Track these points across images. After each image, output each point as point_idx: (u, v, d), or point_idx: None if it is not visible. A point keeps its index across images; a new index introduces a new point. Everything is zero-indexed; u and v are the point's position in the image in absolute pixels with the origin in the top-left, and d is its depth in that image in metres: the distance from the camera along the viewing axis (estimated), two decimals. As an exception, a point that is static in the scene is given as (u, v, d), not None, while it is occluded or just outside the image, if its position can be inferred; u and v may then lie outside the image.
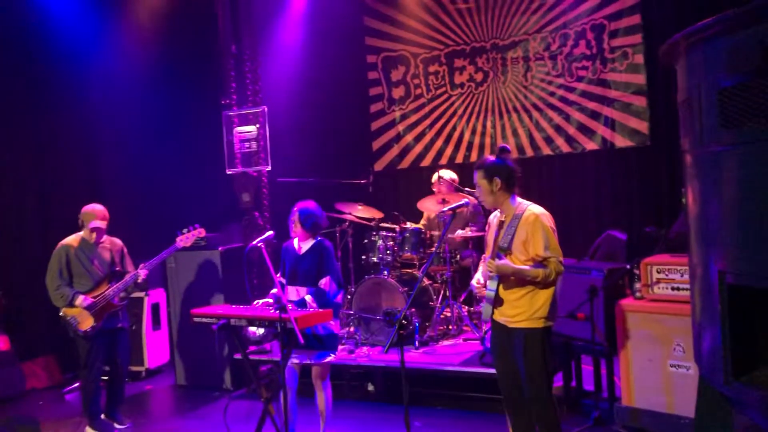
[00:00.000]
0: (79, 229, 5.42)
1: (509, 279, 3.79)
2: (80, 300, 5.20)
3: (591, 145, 7.37)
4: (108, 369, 5.47)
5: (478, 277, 4.03)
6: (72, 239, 5.39)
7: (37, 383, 6.92)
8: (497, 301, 3.84)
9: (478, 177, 3.89)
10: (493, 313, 3.90)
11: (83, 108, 7.60)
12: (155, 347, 7.20)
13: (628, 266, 4.90)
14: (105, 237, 5.47)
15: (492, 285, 3.82)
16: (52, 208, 7.20)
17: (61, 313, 5.27)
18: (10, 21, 6.98)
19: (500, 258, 3.77)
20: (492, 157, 3.94)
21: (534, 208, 3.85)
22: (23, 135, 7.28)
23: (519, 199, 3.93)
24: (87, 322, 5.23)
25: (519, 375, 3.88)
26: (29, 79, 7.27)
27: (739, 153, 2.25)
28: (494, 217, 4.05)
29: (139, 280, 5.34)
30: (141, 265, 5.39)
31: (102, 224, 5.37)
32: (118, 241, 5.58)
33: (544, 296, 3.79)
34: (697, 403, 2.97)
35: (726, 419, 2.68)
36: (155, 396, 6.65)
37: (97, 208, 5.40)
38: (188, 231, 5.56)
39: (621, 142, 7.22)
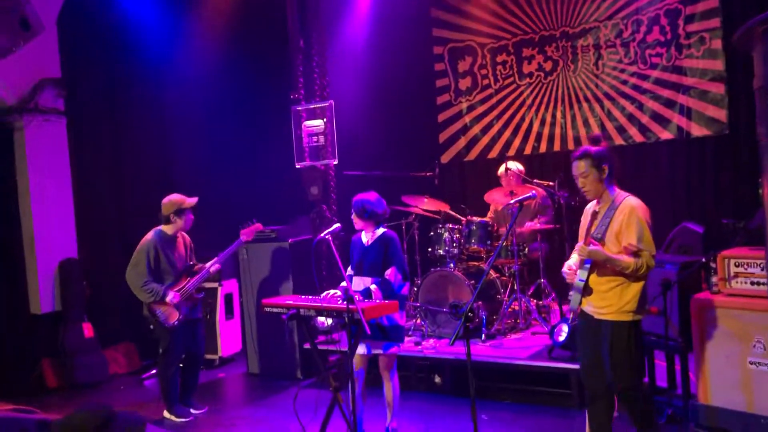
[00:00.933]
0: (158, 223, 5.61)
1: (600, 269, 3.80)
2: (171, 296, 5.42)
3: (665, 135, 7.12)
4: (184, 357, 5.68)
5: (569, 264, 4.03)
6: (155, 234, 5.56)
7: (118, 369, 7.27)
8: (586, 291, 3.86)
9: (586, 165, 3.85)
10: (581, 302, 3.91)
11: (159, 106, 7.92)
12: (228, 336, 7.43)
13: (703, 259, 4.73)
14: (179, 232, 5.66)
15: (582, 275, 3.85)
16: (128, 201, 7.53)
17: (148, 307, 5.47)
18: (95, 22, 7.34)
19: (592, 244, 3.76)
20: (594, 146, 3.91)
21: (631, 200, 3.83)
22: (104, 131, 7.64)
23: (618, 190, 3.92)
24: (174, 316, 5.47)
25: (602, 366, 3.88)
26: (111, 78, 7.61)
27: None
28: (590, 207, 4.04)
29: (212, 274, 5.64)
30: (213, 260, 5.62)
31: (195, 199, 5.62)
32: (187, 236, 5.79)
33: (634, 290, 3.78)
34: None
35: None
36: (228, 384, 6.86)
37: (179, 195, 5.60)
38: (248, 225, 5.84)
39: (697, 131, 6.94)
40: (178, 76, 7.89)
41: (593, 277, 3.85)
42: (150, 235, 5.55)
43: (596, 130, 7.49)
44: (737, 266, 4.37)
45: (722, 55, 6.76)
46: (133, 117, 7.84)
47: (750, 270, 4.30)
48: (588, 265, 3.84)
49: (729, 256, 4.42)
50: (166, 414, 5.62)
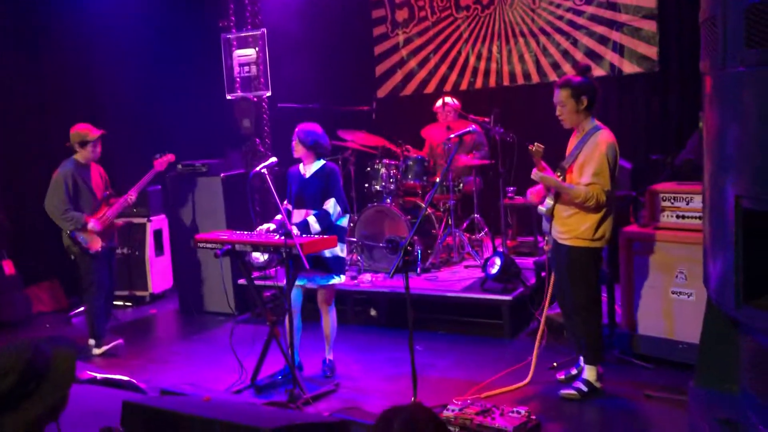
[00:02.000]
0: (70, 154, 5.41)
1: (561, 197, 4.01)
2: (92, 224, 5.32)
3: (599, 71, 7.19)
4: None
5: (534, 188, 4.31)
6: (69, 164, 5.38)
7: (43, 307, 7.00)
8: (552, 217, 4.11)
9: (564, 96, 3.94)
10: (550, 228, 4.15)
11: (80, 30, 7.40)
12: (159, 273, 7.25)
13: (633, 194, 4.88)
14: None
15: (549, 201, 4.09)
16: (51, 131, 7.09)
17: (68, 233, 5.33)
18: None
19: (547, 171, 3.99)
20: (575, 77, 3.99)
21: (602, 134, 3.93)
22: (19, 57, 7.12)
23: (596, 122, 4.02)
24: (96, 243, 5.37)
25: (565, 286, 4.17)
26: (29, 5, 7.07)
27: (765, 74, 2.17)
28: (572, 136, 4.16)
29: (130, 204, 5.58)
30: (130, 190, 5.56)
31: (100, 131, 5.41)
32: (101, 168, 5.64)
33: (592, 219, 3.97)
34: (704, 328, 3.00)
35: (732, 343, 2.71)
36: (160, 320, 6.74)
37: (86, 125, 5.42)
38: (161, 156, 5.79)
39: (629, 68, 7.05)
40: (100, 2, 7.38)
41: (558, 204, 4.06)
42: (65, 163, 5.39)
43: (531, 66, 7.51)
44: (664, 200, 4.52)
45: (655, -7, 6.82)
46: (54, 43, 7.31)
47: (677, 204, 4.46)
48: (552, 193, 4.07)
49: (657, 191, 4.56)
50: (95, 350, 5.48)
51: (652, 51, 6.90)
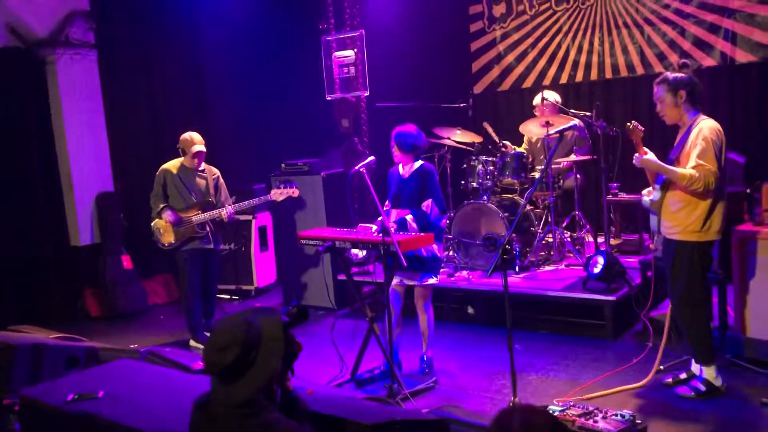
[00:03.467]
0: (179, 155, 5.70)
1: (669, 189, 3.95)
2: (167, 214, 5.54)
3: (708, 61, 6.85)
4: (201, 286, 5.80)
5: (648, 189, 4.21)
6: (172, 164, 5.69)
7: (158, 299, 7.48)
8: (660, 212, 4.05)
9: (662, 90, 3.99)
10: (659, 223, 4.09)
11: (191, 38, 7.85)
12: (263, 268, 7.55)
13: (746, 190, 4.62)
14: (204, 165, 5.71)
15: (656, 194, 4.05)
16: (164, 134, 7.54)
17: (152, 224, 5.67)
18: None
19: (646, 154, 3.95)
20: (671, 73, 4.03)
21: (704, 122, 3.91)
22: (137, 64, 7.61)
23: (700, 115, 3.99)
24: (168, 237, 5.61)
25: (672, 282, 4.09)
26: (141, 11, 7.54)
27: None
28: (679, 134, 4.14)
29: (224, 219, 5.61)
30: (229, 207, 5.63)
31: (202, 150, 5.60)
32: (215, 170, 5.82)
33: (700, 210, 3.90)
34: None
35: None
36: (264, 314, 7.00)
37: (194, 134, 5.64)
38: (284, 187, 5.78)
39: (742, 56, 6.66)
40: (209, 8, 7.76)
41: (665, 197, 3.99)
42: (168, 164, 5.71)
43: (635, 58, 7.24)
44: (782, 197, 4.26)
45: (773, -25, 6.41)
46: (166, 50, 7.77)
47: (796, 201, 4.19)
48: (658, 185, 4.01)
49: (774, 187, 4.30)
50: (191, 342, 5.79)
51: (768, 38, 6.49)
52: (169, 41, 7.77)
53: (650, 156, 3.96)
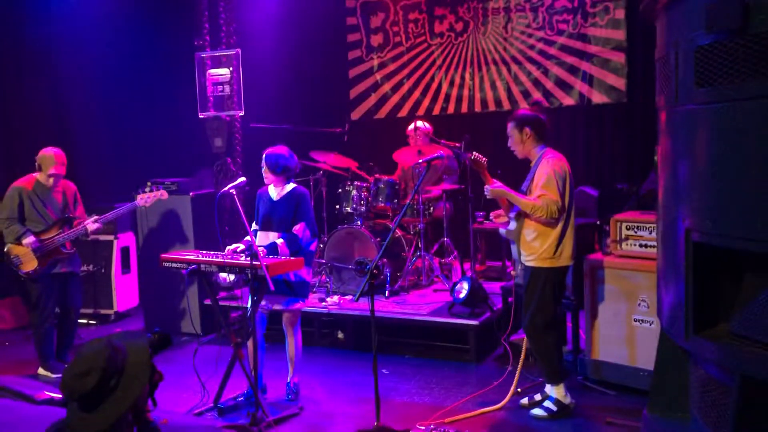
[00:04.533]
0: (34, 170, 5.31)
1: (522, 219, 4.17)
2: (29, 240, 5.14)
3: (568, 101, 7.35)
4: (59, 312, 5.44)
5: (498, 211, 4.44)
6: (26, 181, 5.28)
7: (4, 324, 6.89)
8: (517, 241, 4.26)
9: (510, 127, 4.25)
10: (519, 253, 4.29)
11: (51, 48, 7.35)
12: (124, 291, 7.16)
13: (598, 222, 4.96)
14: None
15: (512, 225, 4.26)
16: (18, 149, 7.03)
17: (5, 249, 5.22)
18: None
19: (494, 184, 4.15)
20: (522, 110, 4.32)
21: (550, 155, 4.17)
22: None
23: (547, 149, 4.22)
24: (30, 264, 5.19)
25: (526, 307, 4.29)
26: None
27: (713, 112, 2.25)
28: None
29: (89, 233, 5.32)
30: (94, 217, 5.32)
31: (61, 170, 5.26)
32: (71, 185, 5.48)
33: (552, 237, 4.13)
34: (657, 356, 3.05)
35: (683, 372, 2.76)
36: (125, 339, 6.64)
37: (56, 152, 5.26)
38: (150, 191, 5.51)
39: (598, 98, 7.21)
40: (73, 14, 7.34)
41: (520, 227, 4.21)
42: (21, 181, 5.29)
43: (503, 93, 7.63)
44: (628, 229, 4.60)
45: (624, 26, 7.01)
46: (23, 59, 7.26)
47: (640, 233, 4.54)
48: (513, 216, 4.23)
49: (621, 220, 4.65)
50: (40, 370, 5.38)
51: (620, 82, 7.07)
52: (28, 50, 7.25)
53: (498, 185, 4.17)
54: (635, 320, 4.48)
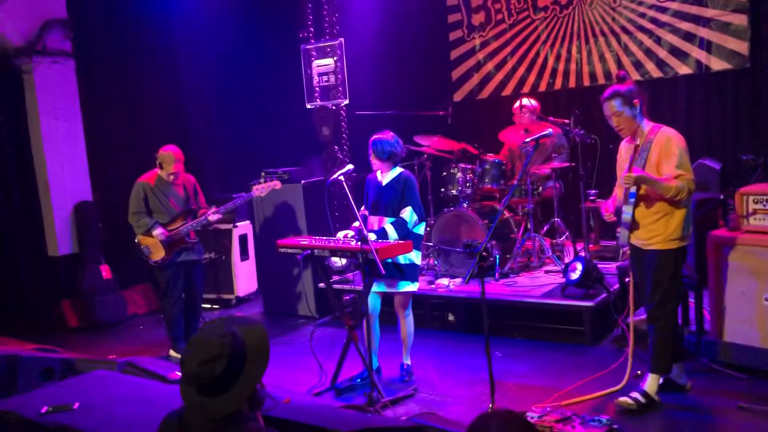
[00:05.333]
0: (156, 167, 5.61)
1: (645, 201, 3.90)
2: (158, 231, 5.45)
3: (684, 69, 6.95)
4: (185, 297, 5.75)
5: (606, 206, 4.15)
6: (149, 176, 5.58)
7: (137, 309, 7.42)
8: (633, 226, 3.97)
9: (618, 104, 3.91)
10: (629, 237, 4.02)
11: (169, 47, 7.82)
12: (244, 276, 7.51)
13: (721, 196, 4.69)
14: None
15: (628, 210, 3.96)
16: (143, 144, 7.51)
17: (136, 240, 5.56)
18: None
19: (637, 171, 3.82)
20: (621, 85, 3.95)
21: (666, 131, 3.91)
22: (114, 72, 7.57)
23: (651, 123, 3.98)
24: (158, 254, 5.51)
25: (655, 291, 4.00)
26: (119, 20, 7.52)
27: None
28: (624, 143, 4.12)
29: (211, 223, 5.58)
30: (214, 209, 5.57)
31: (180, 166, 5.53)
32: (191, 177, 5.75)
33: (678, 218, 3.89)
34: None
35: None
36: (245, 323, 6.96)
37: (174, 150, 5.53)
38: (264, 181, 5.71)
39: (717, 65, 6.76)
40: (187, 16, 7.74)
41: (638, 211, 3.95)
42: (144, 176, 5.59)
43: (612, 66, 7.33)
44: (756, 203, 4.33)
45: (746, -15, 6.52)
46: (144, 58, 7.74)
47: (769, 206, 4.25)
48: (632, 200, 3.92)
49: (747, 193, 4.37)
50: (171, 352, 5.75)
51: (742, 46, 6.60)
52: (147, 50, 7.74)
53: (641, 171, 3.81)
54: (766, 299, 4.20)
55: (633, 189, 3.88)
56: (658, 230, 3.92)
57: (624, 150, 4.11)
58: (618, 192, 4.12)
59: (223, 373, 2.08)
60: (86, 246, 7.14)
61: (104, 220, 7.30)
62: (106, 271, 7.11)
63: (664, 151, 3.83)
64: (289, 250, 4.72)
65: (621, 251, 4.29)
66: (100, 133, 7.44)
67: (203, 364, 2.08)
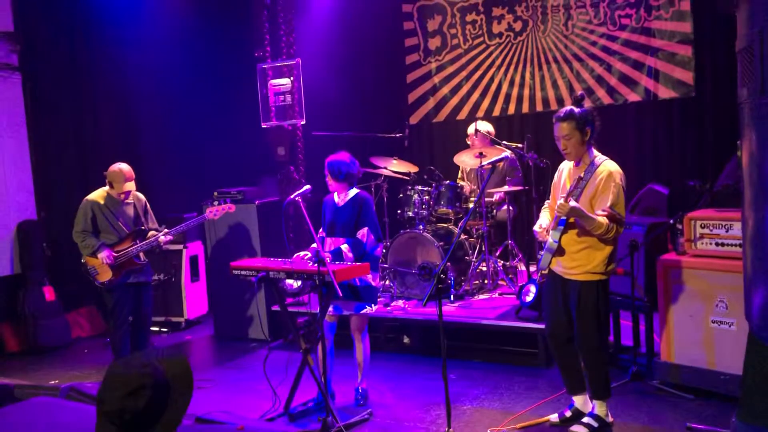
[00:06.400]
0: (105, 185, 5.43)
1: (573, 230, 3.85)
2: (104, 254, 5.24)
3: (633, 97, 7.16)
4: (132, 320, 5.56)
5: (541, 223, 4.08)
6: (98, 195, 5.39)
7: (81, 332, 7.17)
8: (558, 252, 3.92)
9: (568, 128, 3.83)
10: (551, 262, 3.97)
11: (121, 63, 7.64)
12: (194, 299, 7.34)
13: (670, 221, 4.80)
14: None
15: (555, 236, 3.90)
16: (91, 162, 7.32)
17: (82, 260, 5.36)
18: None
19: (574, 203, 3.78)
20: (575, 108, 3.88)
21: (609, 164, 3.86)
22: (63, 89, 7.37)
23: (596, 153, 3.94)
24: (105, 275, 5.31)
25: (569, 323, 4.01)
26: (69, 35, 7.36)
27: (803, 102, 2.14)
28: (564, 165, 4.08)
29: (161, 245, 5.41)
30: (165, 231, 5.43)
31: (132, 187, 5.37)
32: (141, 197, 5.58)
33: (603, 253, 3.87)
34: (746, 361, 2.91)
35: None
36: (195, 346, 6.81)
37: (125, 168, 5.33)
38: (218, 203, 5.59)
39: (664, 93, 6.98)
40: (140, 31, 7.60)
41: (565, 237, 3.91)
42: (92, 195, 5.39)
43: (565, 92, 7.49)
44: (703, 227, 4.44)
45: (690, 17, 6.78)
46: (94, 73, 7.56)
47: (715, 231, 4.38)
48: (561, 227, 3.88)
49: (695, 218, 4.49)
50: None
51: (687, 76, 6.84)
52: (97, 65, 7.56)
53: (577, 204, 3.77)
54: (713, 321, 4.31)
55: (564, 216, 3.85)
56: (581, 260, 3.88)
57: (564, 171, 4.06)
58: (548, 213, 4.10)
59: (148, 405, 1.96)
60: (29, 266, 6.87)
61: (49, 239, 7.04)
62: (49, 293, 6.85)
63: (602, 186, 3.78)
64: (243, 272, 4.63)
65: (539, 274, 4.23)
66: (46, 150, 7.21)
67: (126, 398, 1.95)
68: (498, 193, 6.45)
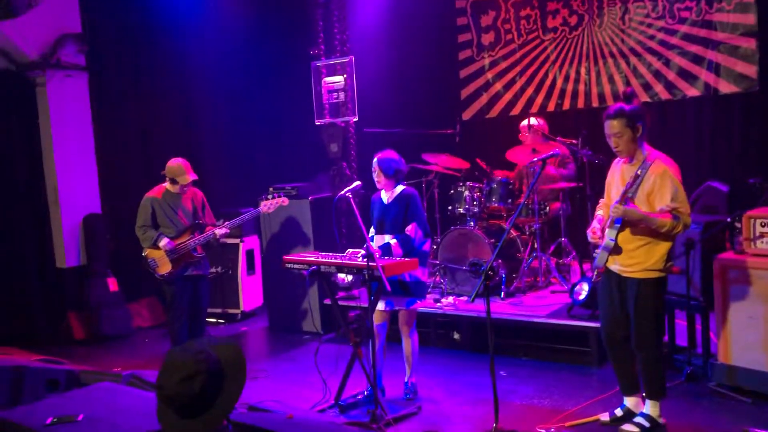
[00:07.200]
0: (162, 181, 5.60)
1: (630, 228, 3.81)
2: (164, 242, 5.41)
3: (692, 92, 6.97)
4: (189, 311, 5.68)
5: (594, 226, 4.05)
6: (157, 191, 5.57)
7: (142, 322, 7.44)
8: (615, 250, 3.88)
9: (619, 125, 3.79)
10: (607, 261, 3.93)
11: (181, 61, 7.89)
12: (250, 291, 7.52)
13: (728, 219, 4.68)
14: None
15: (611, 234, 3.86)
16: (152, 156, 7.57)
17: (143, 253, 5.54)
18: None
19: (627, 204, 3.74)
20: (626, 105, 3.84)
21: (664, 160, 3.80)
22: (127, 86, 7.67)
23: (649, 149, 3.88)
24: (165, 267, 5.48)
25: (626, 323, 3.97)
26: (132, 34, 7.62)
27: None
28: (617, 163, 4.03)
29: (218, 238, 5.55)
30: (222, 223, 5.58)
31: (194, 176, 5.51)
32: (198, 192, 5.73)
33: (662, 249, 3.81)
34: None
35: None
36: (249, 337, 6.98)
37: (183, 162, 5.49)
38: (272, 197, 5.73)
39: (726, 87, 6.77)
40: (200, 31, 7.84)
41: (622, 235, 3.87)
42: (151, 191, 5.57)
43: (621, 87, 7.35)
44: (763, 226, 4.31)
45: (754, 9, 6.55)
46: (156, 72, 7.84)
47: (776, 230, 4.24)
48: (618, 225, 3.84)
49: (755, 216, 4.36)
50: None
51: (751, 69, 6.61)
52: (159, 64, 7.83)
53: (632, 206, 3.73)
54: (774, 323, 4.18)
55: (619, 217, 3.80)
56: (639, 258, 3.83)
57: (617, 170, 4.01)
58: (604, 212, 4.07)
59: (203, 390, 2.05)
60: (94, 258, 7.17)
61: (112, 232, 7.34)
62: (113, 284, 7.15)
63: (659, 182, 3.73)
64: (295, 266, 4.74)
65: (594, 273, 4.16)
66: (110, 147, 7.51)
67: (182, 383, 2.04)
68: (551, 188, 6.37)
